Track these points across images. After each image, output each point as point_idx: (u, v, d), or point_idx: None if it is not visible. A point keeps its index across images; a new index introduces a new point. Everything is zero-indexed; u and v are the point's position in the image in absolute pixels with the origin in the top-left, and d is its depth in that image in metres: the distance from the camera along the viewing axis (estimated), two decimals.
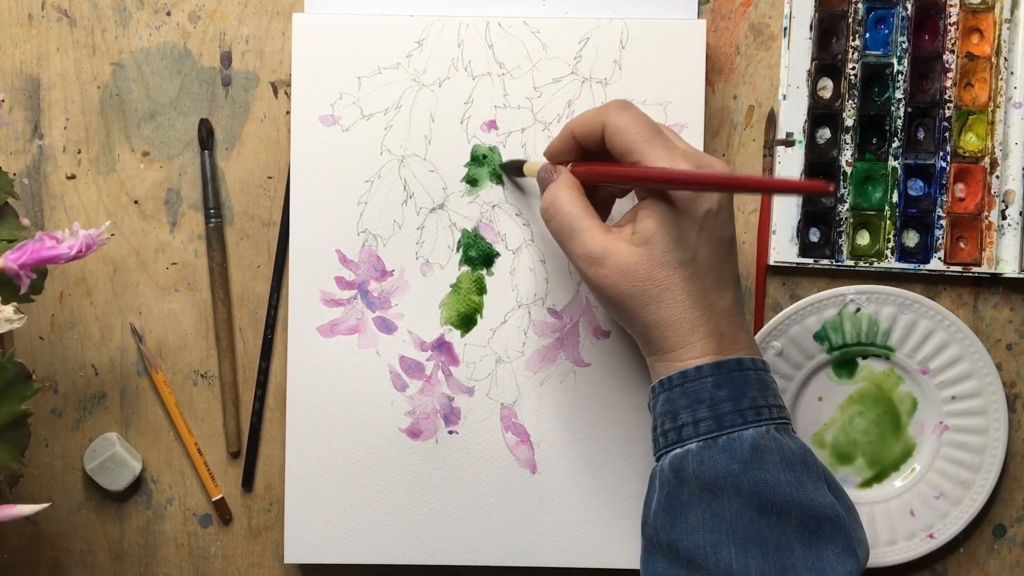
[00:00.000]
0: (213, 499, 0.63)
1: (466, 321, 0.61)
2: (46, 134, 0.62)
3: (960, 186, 0.62)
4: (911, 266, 0.62)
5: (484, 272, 0.61)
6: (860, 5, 0.62)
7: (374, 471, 0.61)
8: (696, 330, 0.51)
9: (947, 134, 0.62)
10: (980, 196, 0.62)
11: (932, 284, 0.63)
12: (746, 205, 0.63)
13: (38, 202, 0.62)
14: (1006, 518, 0.64)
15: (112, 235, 0.62)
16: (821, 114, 0.62)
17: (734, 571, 0.49)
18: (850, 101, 0.62)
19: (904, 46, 0.62)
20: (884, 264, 0.62)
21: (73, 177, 0.62)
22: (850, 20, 0.62)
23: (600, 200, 0.57)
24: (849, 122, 0.62)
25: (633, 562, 0.61)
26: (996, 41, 0.62)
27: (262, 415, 0.63)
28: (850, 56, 0.62)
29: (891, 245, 0.62)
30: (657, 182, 0.50)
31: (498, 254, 0.61)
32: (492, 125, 0.61)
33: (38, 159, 0.62)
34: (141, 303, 0.63)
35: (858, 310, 0.62)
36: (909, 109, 0.62)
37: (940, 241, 0.62)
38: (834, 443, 0.63)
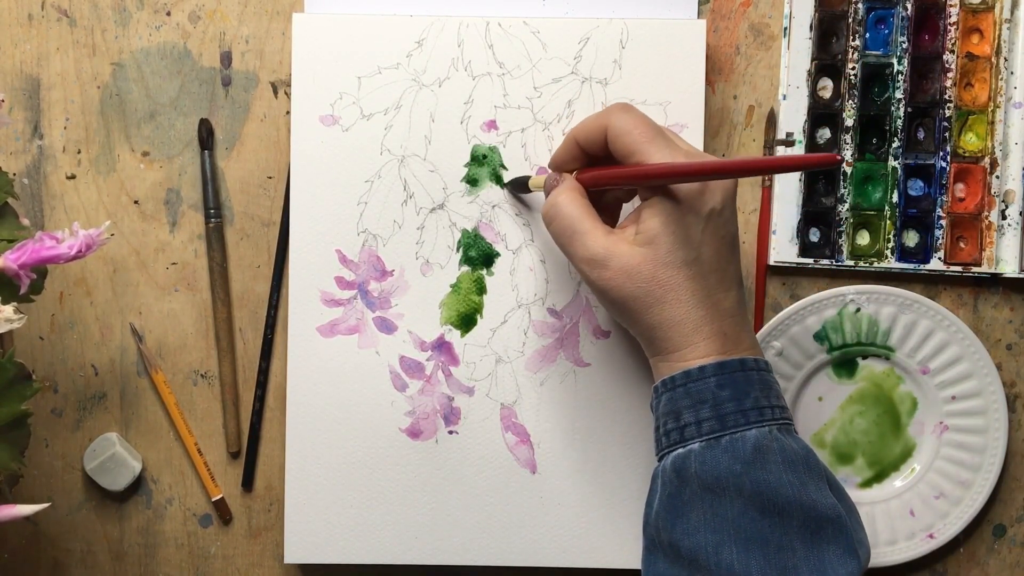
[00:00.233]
0: (213, 499, 0.63)
1: (466, 321, 0.61)
2: (46, 134, 0.62)
3: (960, 186, 0.62)
4: (911, 266, 0.62)
5: (484, 272, 0.61)
6: (860, 5, 0.62)
7: (374, 471, 0.61)
8: (700, 330, 0.51)
9: (947, 134, 0.62)
10: (980, 196, 0.62)
11: (932, 284, 0.63)
12: (746, 205, 0.63)
13: (38, 202, 0.62)
14: (1006, 518, 0.64)
15: (112, 235, 0.62)
16: (821, 114, 0.62)
17: (736, 571, 0.49)
18: (850, 101, 0.62)
19: (904, 46, 0.62)
20: (884, 264, 0.62)
21: (73, 177, 0.62)
22: (850, 20, 0.62)
23: (606, 206, 0.57)
24: (849, 122, 0.62)
25: (633, 562, 0.61)
26: (996, 41, 0.62)
27: (262, 415, 0.63)
28: (850, 56, 0.62)
29: (891, 245, 0.62)
30: (661, 178, 0.50)
31: (498, 254, 0.61)
32: (492, 125, 0.61)
33: (38, 159, 0.62)
34: (141, 303, 0.63)
35: (858, 310, 0.62)
36: (909, 109, 0.62)
37: (940, 241, 0.62)
38: (834, 443, 0.63)
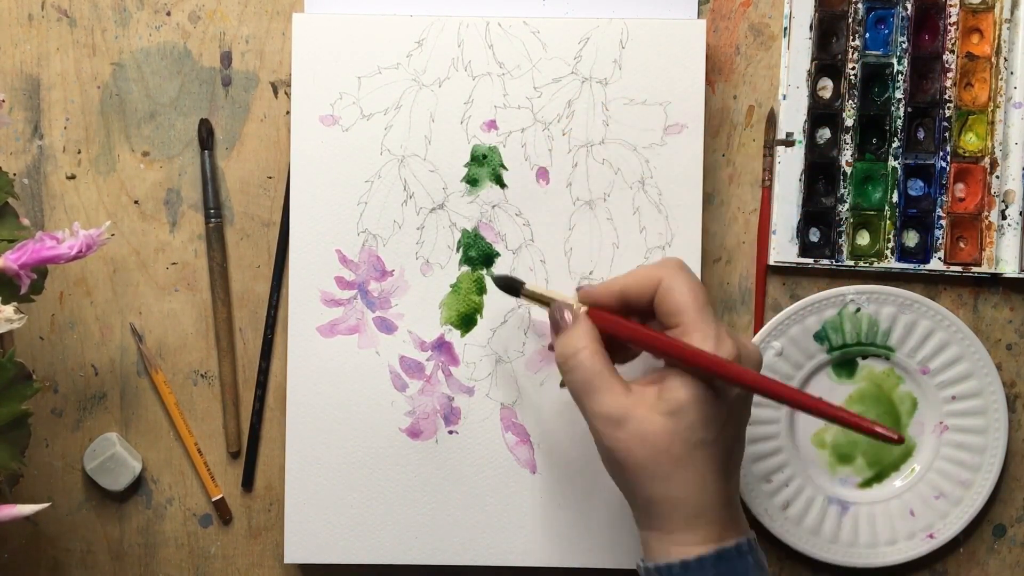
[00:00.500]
0: (213, 499, 0.63)
1: (466, 321, 0.61)
2: (46, 134, 0.62)
3: (960, 186, 0.62)
4: (911, 266, 0.62)
5: (484, 272, 0.61)
6: (860, 5, 0.62)
7: (374, 471, 0.61)
8: (701, 516, 0.49)
9: (947, 134, 0.62)
10: (980, 196, 0.62)
11: (932, 284, 0.63)
12: (746, 205, 0.63)
13: (38, 202, 0.62)
14: (1006, 518, 0.64)
15: (112, 235, 0.62)
16: (821, 114, 0.62)
17: None
18: (850, 101, 0.62)
19: (904, 46, 0.62)
20: (884, 264, 0.62)
21: (73, 177, 0.62)
22: (850, 20, 0.62)
23: (618, 344, 0.53)
24: (849, 122, 0.62)
25: (633, 562, 0.61)
26: (996, 41, 0.62)
27: (262, 415, 0.63)
28: (850, 56, 0.62)
29: (891, 245, 0.62)
30: (699, 365, 0.48)
31: (498, 254, 0.61)
32: (492, 125, 0.61)
33: (38, 159, 0.62)
34: (141, 303, 0.63)
35: (858, 310, 0.62)
36: (909, 109, 0.62)
37: (940, 241, 0.62)
38: (834, 443, 0.63)
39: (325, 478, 0.61)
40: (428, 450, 0.61)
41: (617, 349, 0.53)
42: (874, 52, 0.62)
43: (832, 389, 0.63)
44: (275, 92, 0.62)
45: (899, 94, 0.62)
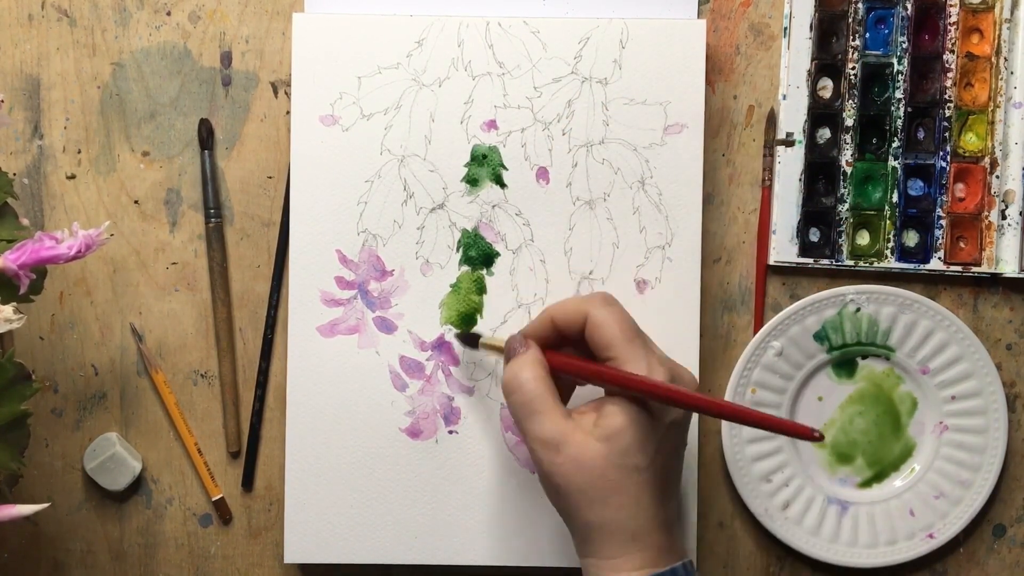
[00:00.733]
0: (213, 499, 0.63)
1: (466, 321, 0.61)
2: (46, 134, 0.62)
3: (960, 186, 0.62)
4: (911, 266, 0.62)
5: (484, 272, 0.61)
6: (860, 5, 0.62)
7: (374, 471, 0.61)
8: (638, 540, 0.50)
9: (947, 134, 0.62)
10: (980, 196, 0.62)
11: (932, 284, 0.63)
12: (746, 205, 0.63)
13: (38, 202, 0.62)
14: (1006, 518, 0.64)
15: (112, 235, 0.62)
16: (821, 114, 0.62)
17: None
18: (850, 101, 0.62)
19: (904, 46, 0.62)
20: (884, 264, 0.62)
21: (73, 177, 0.62)
22: (850, 20, 0.62)
23: (565, 382, 0.56)
24: (849, 122, 0.62)
25: None
26: (996, 41, 0.62)
27: (262, 415, 0.63)
28: (850, 56, 0.62)
29: (891, 245, 0.62)
30: (635, 389, 0.50)
31: (498, 254, 0.61)
32: (492, 125, 0.61)
33: (38, 159, 0.62)
34: (141, 303, 0.63)
35: (858, 310, 0.62)
36: (909, 109, 0.62)
37: (940, 241, 0.62)
38: (834, 443, 0.63)
39: (325, 478, 0.61)
40: (428, 450, 0.61)
41: (564, 388, 0.55)
42: (874, 52, 0.62)
43: (832, 389, 0.63)
44: (275, 92, 0.62)
45: (899, 94, 0.62)
